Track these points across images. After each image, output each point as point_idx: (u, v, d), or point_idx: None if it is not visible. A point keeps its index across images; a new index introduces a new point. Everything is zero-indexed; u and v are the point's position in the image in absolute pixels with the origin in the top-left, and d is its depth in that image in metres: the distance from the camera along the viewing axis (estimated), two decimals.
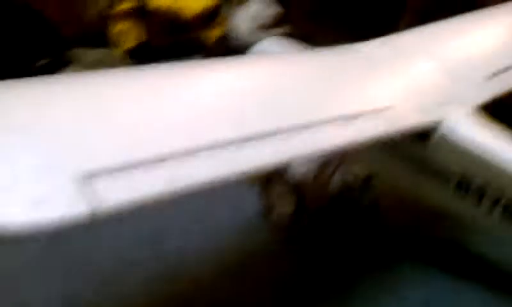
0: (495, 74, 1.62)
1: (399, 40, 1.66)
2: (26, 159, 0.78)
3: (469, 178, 1.39)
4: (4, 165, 0.76)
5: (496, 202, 1.37)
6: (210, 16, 3.28)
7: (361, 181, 1.87)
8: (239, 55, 1.77)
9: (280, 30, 2.81)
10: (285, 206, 1.74)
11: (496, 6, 2.04)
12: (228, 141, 0.99)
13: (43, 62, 2.71)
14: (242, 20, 3.27)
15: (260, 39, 1.98)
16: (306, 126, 1.11)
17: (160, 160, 0.88)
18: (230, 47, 2.96)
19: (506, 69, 1.65)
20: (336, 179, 1.85)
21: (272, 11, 3.32)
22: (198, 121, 1.03)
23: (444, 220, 1.66)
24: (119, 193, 0.79)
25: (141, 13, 3.14)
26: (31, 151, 0.80)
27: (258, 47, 1.88)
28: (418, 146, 1.45)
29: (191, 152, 0.93)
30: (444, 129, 1.40)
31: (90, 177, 0.78)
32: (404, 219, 1.80)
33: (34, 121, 0.87)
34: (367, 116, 1.24)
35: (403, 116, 1.32)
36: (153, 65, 1.22)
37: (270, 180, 1.75)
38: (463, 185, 1.40)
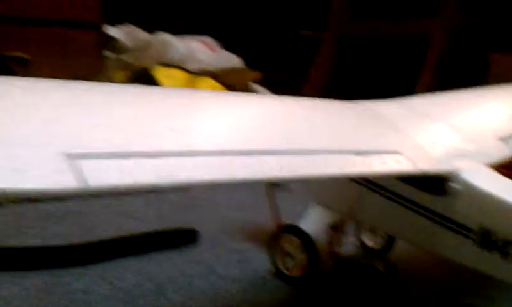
0: (510, 136, 1.63)
1: (413, 102, 1.70)
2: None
3: (491, 231, 1.35)
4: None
5: None
6: None
7: (378, 246, 1.86)
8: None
9: None
10: (292, 265, 1.68)
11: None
12: (236, 150, 0.97)
13: None
14: None
15: None
16: (317, 151, 1.12)
17: (156, 155, 0.86)
18: None
19: None
20: (349, 242, 1.82)
21: None
22: (209, 133, 1.02)
23: (466, 285, 1.59)
24: (105, 174, 0.78)
25: None
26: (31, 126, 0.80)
27: None
28: (435, 201, 1.44)
29: (190, 153, 0.91)
30: (458, 181, 1.39)
31: (79, 156, 0.77)
32: (423, 284, 1.73)
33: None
34: (377, 154, 1.25)
35: (412, 161, 1.32)
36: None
37: (278, 237, 1.70)
38: (487, 239, 1.36)
